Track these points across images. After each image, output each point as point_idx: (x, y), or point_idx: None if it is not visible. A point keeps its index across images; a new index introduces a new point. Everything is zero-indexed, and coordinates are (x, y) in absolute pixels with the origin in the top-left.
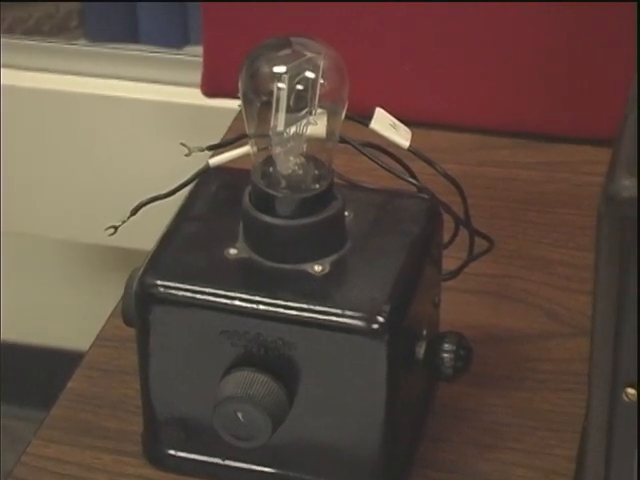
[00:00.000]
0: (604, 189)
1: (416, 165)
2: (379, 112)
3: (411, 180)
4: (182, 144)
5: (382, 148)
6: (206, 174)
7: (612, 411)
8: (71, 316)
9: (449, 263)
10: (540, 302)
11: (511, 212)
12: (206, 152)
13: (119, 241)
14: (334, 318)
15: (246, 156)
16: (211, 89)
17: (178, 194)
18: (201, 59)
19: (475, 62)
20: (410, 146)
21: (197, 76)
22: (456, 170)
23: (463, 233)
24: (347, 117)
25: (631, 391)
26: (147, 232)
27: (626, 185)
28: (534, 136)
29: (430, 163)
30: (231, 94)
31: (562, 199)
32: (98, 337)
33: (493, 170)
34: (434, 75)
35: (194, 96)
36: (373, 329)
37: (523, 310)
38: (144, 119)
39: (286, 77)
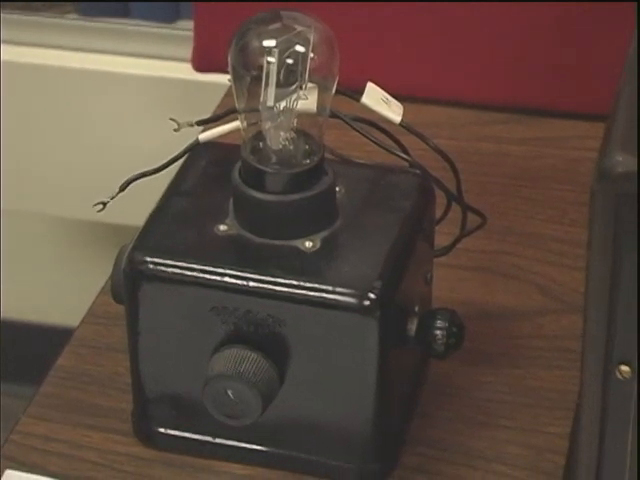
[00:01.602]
0: (598, 165)
1: (408, 140)
2: (370, 87)
3: (403, 155)
4: (171, 119)
5: (373, 123)
6: (196, 149)
7: (605, 389)
8: (61, 293)
9: (441, 239)
10: (533, 278)
11: (504, 188)
12: (197, 127)
13: (110, 217)
14: (325, 295)
15: (236, 131)
16: (202, 64)
17: (168, 170)
18: (192, 34)
19: (469, 37)
20: (402, 121)
21: (188, 51)
22: (449, 145)
23: (455, 209)
24: (338, 92)
25: (624, 368)
26: (138, 208)
27: (620, 161)
28: (528, 111)
29: (422, 138)
30: (222, 69)
31: (555, 175)
32: (87, 314)
33: (486, 145)
34: (427, 50)
35: (185, 71)
36: (364, 306)
37: (516, 286)
38: (135, 94)
39: (276, 51)
